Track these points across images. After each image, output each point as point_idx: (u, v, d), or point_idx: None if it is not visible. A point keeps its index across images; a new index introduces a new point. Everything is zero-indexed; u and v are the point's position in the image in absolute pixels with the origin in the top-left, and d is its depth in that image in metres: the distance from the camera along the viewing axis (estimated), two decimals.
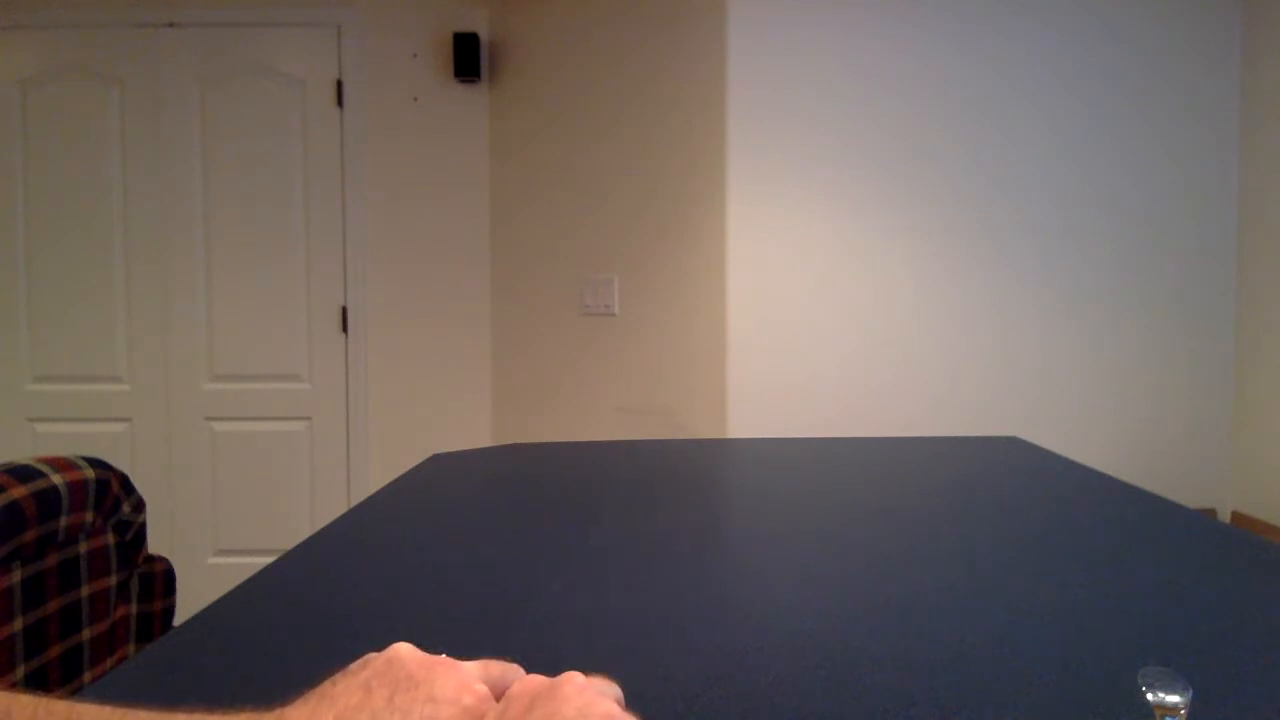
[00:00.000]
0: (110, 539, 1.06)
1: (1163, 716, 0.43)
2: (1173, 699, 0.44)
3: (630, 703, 0.54)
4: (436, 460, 1.38)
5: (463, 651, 0.42)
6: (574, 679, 0.41)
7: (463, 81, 3.25)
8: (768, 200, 2.72)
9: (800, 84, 2.72)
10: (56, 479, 0.96)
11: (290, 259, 3.28)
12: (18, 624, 0.89)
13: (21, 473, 0.93)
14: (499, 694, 0.42)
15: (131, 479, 1.12)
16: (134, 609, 1.12)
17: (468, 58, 3.18)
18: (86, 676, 0.99)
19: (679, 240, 2.83)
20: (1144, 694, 0.45)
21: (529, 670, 0.44)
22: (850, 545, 0.92)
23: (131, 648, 1.10)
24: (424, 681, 0.40)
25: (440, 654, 0.43)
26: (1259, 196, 2.73)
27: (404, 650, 0.41)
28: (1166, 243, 2.80)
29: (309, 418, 3.31)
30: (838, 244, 2.75)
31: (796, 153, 2.73)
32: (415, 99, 3.29)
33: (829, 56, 2.73)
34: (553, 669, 0.60)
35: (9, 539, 0.88)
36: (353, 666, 0.41)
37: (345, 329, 3.30)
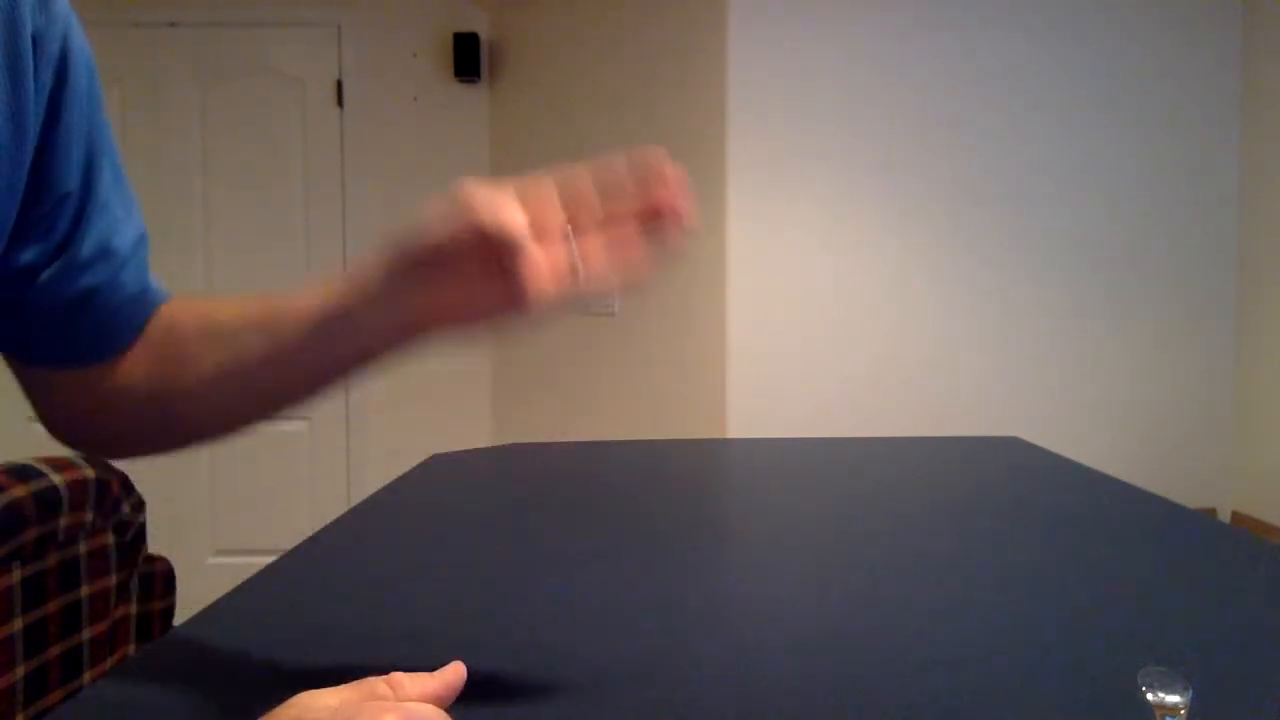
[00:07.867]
0: (110, 539, 1.06)
1: (1163, 716, 0.43)
2: (1173, 699, 0.44)
3: (630, 703, 0.54)
4: (436, 460, 1.38)
5: (462, 651, 0.42)
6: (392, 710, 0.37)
7: (463, 81, 3.25)
8: (768, 200, 2.72)
9: (801, 84, 2.72)
10: (56, 478, 0.96)
11: (290, 259, 3.28)
12: (17, 624, 0.89)
13: (21, 472, 0.93)
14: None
15: (131, 479, 1.12)
16: (134, 609, 1.12)
17: (468, 58, 3.18)
18: (86, 676, 0.99)
19: None
20: (1144, 694, 0.45)
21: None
22: (849, 545, 0.92)
23: (131, 648, 1.10)
24: None
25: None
26: (1259, 196, 2.73)
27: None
28: (1167, 243, 2.80)
29: (309, 418, 3.31)
30: (838, 244, 2.75)
31: (797, 152, 2.73)
32: (415, 99, 3.29)
33: (829, 58, 2.73)
34: (552, 670, 0.60)
35: (8, 539, 0.88)
36: None
37: None
